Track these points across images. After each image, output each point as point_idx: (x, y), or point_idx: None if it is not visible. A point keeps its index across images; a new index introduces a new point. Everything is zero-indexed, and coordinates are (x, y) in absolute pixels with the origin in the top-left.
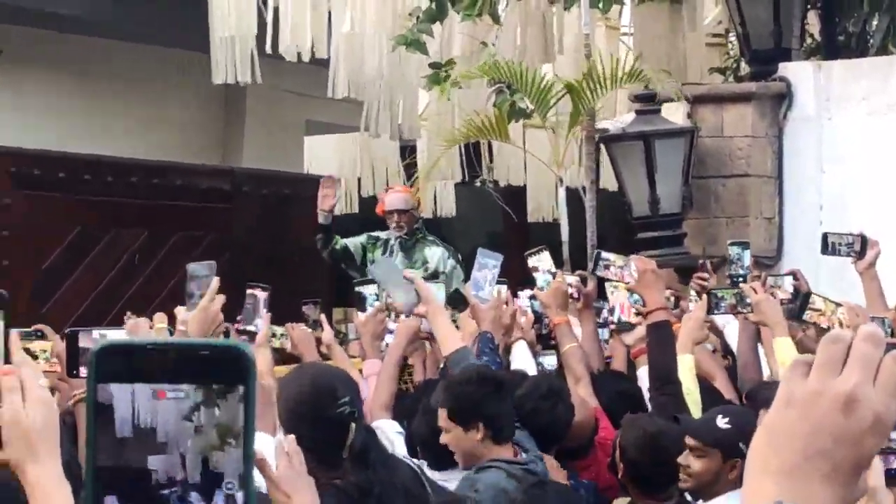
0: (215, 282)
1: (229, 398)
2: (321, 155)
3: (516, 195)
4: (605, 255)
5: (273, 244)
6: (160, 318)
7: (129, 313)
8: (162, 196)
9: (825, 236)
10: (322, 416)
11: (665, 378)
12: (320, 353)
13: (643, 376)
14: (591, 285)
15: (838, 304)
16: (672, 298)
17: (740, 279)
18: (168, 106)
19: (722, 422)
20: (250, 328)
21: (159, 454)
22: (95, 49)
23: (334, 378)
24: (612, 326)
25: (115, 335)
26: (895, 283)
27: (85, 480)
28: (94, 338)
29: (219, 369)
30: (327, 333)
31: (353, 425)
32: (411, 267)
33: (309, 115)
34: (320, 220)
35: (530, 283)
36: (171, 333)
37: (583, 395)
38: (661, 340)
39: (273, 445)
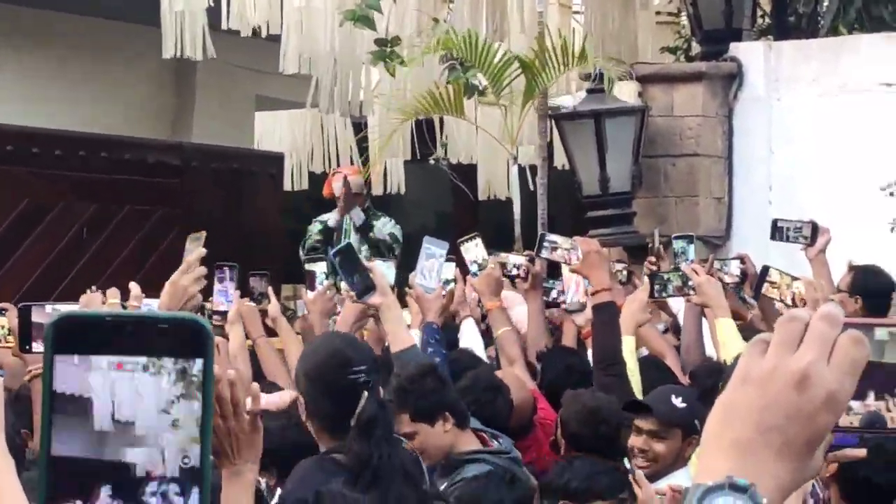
0: (196, 254)
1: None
2: (272, 130)
3: (467, 173)
4: (550, 237)
5: (223, 219)
6: (113, 294)
7: (93, 287)
8: (111, 170)
9: (775, 222)
10: (333, 383)
11: (610, 358)
12: (265, 325)
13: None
14: (539, 265)
15: (795, 278)
16: (625, 272)
17: None
18: (118, 80)
19: (677, 401)
20: (222, 308)
21: (136, 447)
22: (45, 22)
23: (353, 347)
24: (564, 306)
25: (68, 310)
26: (843, 264)
27: (39, 472)
28: (48, 312)
29: (178, 343)
30: (273, 306)
31: (365, 394)
32: (368, 245)
33: (259, 91)
34: (332, 223)
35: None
36: (125, 308)
37: (519, 375)
38: (606, 321)
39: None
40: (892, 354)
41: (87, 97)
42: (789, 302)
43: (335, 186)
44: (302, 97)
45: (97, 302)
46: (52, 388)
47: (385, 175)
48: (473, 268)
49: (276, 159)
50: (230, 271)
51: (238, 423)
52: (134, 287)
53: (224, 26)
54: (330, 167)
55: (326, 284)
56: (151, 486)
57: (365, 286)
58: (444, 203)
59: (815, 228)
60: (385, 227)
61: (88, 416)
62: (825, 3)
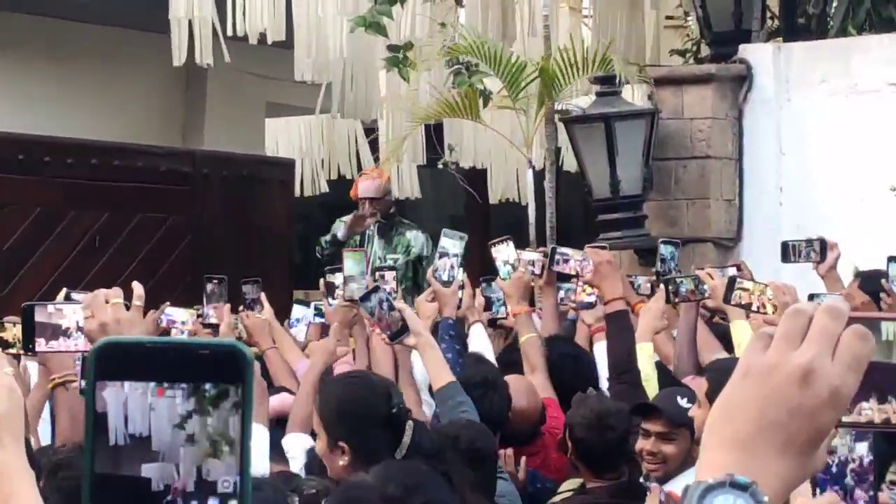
0: None
1: (221, 406)
2: (283, 137)
3: (478, 177)
4: (561, 250)
5: (234, 226)
6: (116, 293)
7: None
8: (123, 178)
9: (784, 245)
10: (379, 415)
11: (624, 367)
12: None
13: (598, 351)
14: None
15: (766, 285)
16: (649, 284)
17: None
18: (129, 88)
19: (683, 401)
20: (212, 320)
21: (153, 462)
22: (56, 30)
23: (384, 381)
24: (572, 305)
25: (70, 309)
26: (852, 266)
27: (83, 488)
28: (50, 312)
29: (218, 369)
30: (267, 312)
31: (410, 423)
32: (391, 252)
33: (270, 97)
34: (340, 235)
35: (491, 271)
36: (128, 308)
37: (537, 384)
38: (620, 330)
39: (266, 437)
40: None
41: (98, 105)
42: (758, 307)
43: (360, 187)
44: (312, 103)
45: (100, 301)
46: (94, 409)
47: (397, 181)
48: (505, 270)
49: (287, 166)
50: (219, 285)
51: None
52: (137, 287)
53: (231, 33)
54: (340, 174)
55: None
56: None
57: (399, 328)
58: (456, 208)
59: (823, 245)
60: (417, 241)
61: (105, 432)
62: (834, 5)
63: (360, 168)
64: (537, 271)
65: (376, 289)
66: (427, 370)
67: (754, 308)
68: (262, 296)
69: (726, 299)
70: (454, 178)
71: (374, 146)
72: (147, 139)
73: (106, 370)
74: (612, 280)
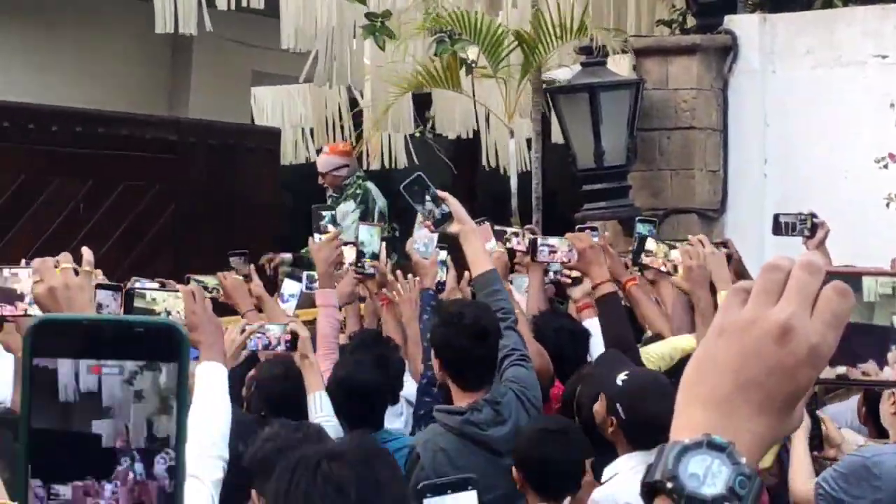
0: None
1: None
2: (269, 105)
3: (464, 147)
4: (543, 240)
5: (220, 195)
6: (66, 258)
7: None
8: (107, 146)
9: (776, 217)
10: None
11: (624, 346)
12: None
13: (589, 326)
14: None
15: (672, 247)
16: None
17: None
18: (114, 55)
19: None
20: None
21: (104, 419)
22: None
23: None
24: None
25: (23, 273)
26: (840, 236)
27: (19, 443)
28: (5, 276)
29: (154, 346)
30: (256, 284)
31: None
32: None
33: (256, 66)
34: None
35: None
36: (77, 273)
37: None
38: (611, 311)
39: (225, 374)
40: (882, 316)
41: (83, 73)
42: (665, 268)
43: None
44: (298, 72)
45: (49, 266)
46: (31, 385)
47: (384, 150)
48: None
49: (274, 134)
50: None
51: None
52: (86, 252)
53: (217, 1)
54: (328, 141)
55: (335, 232)
56: (120, 458)
57: (442, 215)
58: (442, 177)
59: (814, 220)
60: (341, 211)
61: (55, 388)
62: None
63: (344, 137)
64: (524, 248)
65: (420, 181)
66: (468, 256)
67: (663, 269)
68: (252, 269)
69: (635, 261)
70: (445, 148)
71: (359, 116)
72: (132, 107)
73: (42, 347)
74: (597, 264)
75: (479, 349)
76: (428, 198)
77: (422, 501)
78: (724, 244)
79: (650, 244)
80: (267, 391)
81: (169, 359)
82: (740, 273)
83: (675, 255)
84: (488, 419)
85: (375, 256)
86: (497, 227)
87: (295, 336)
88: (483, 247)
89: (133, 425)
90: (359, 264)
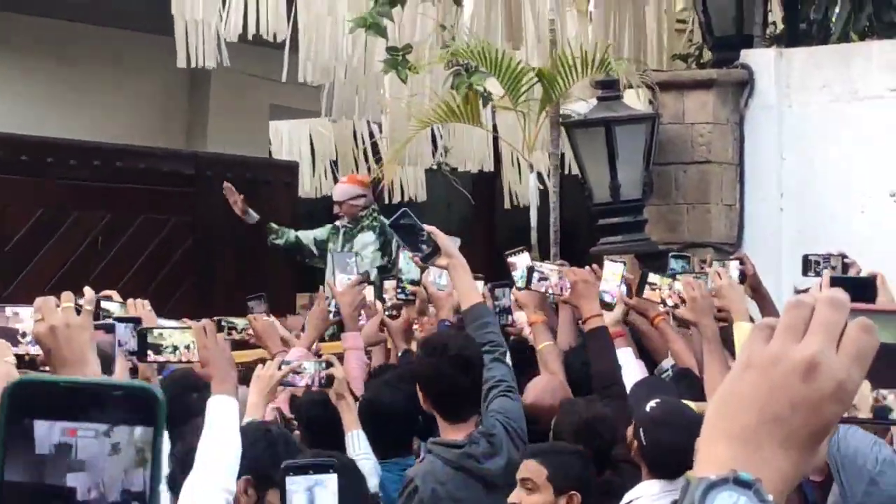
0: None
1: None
2: (286, 138)
3: (484, 181)
4: (539, 267)
5: (237, 228)
6: (67, 297)
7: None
8: (125, 179)
9: (805, 258)
10: None
11: (608, 380)
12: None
13: (620, 356)
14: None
15: (674, 279)
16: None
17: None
18: (133, 89)
19: None
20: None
21: (78, 472)
22: (59, 32)
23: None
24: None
25: (25, 312)
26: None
27: None
28: (7, 315)
29: (131, 409)
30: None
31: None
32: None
33: (273, 100)
34: (249, 221)
35: (503, 277)
36: (79, 312)
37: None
38: (600, 346)
39: (237, 408)
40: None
41: (102, 107)
42: (669, 303)
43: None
44: (316, 106)
45: (51, 305)
46: (4, 447)
47: (402, 184)
48: (522, 279)
49: (291, 168)
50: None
51: None
52: (87, 291)
53: (234, 35)
54: (346, 174)
55: (357, 278)
56: None
57: (430, 250)
58: (465, 211)
59: (844, 262)
60: (360, 242)
61: (31, 444)
62: (836, 10)
63: (360, 171)
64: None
65: (407, 216)
66: (457, 290)
67: (668, 304)
68: (266, 310)
69: (639, 294)
70: (463, 182)
71: (377, 149)
72: (150, 141)
73: (19, 409)
74: (588, 298)
75: (462, 380)
76: (417, 232)
77: None
78: (740, 260)
79: (653, 277)
80: (307, 419)
81: (145, 423)
82: (756, 287)
83: (678, 286)
84: (485, 452)
85: (415, 283)
86: (536, 263)
87: (331, 378)
88: (471, 280)
89: (108, 478)
90: (399, 289)
